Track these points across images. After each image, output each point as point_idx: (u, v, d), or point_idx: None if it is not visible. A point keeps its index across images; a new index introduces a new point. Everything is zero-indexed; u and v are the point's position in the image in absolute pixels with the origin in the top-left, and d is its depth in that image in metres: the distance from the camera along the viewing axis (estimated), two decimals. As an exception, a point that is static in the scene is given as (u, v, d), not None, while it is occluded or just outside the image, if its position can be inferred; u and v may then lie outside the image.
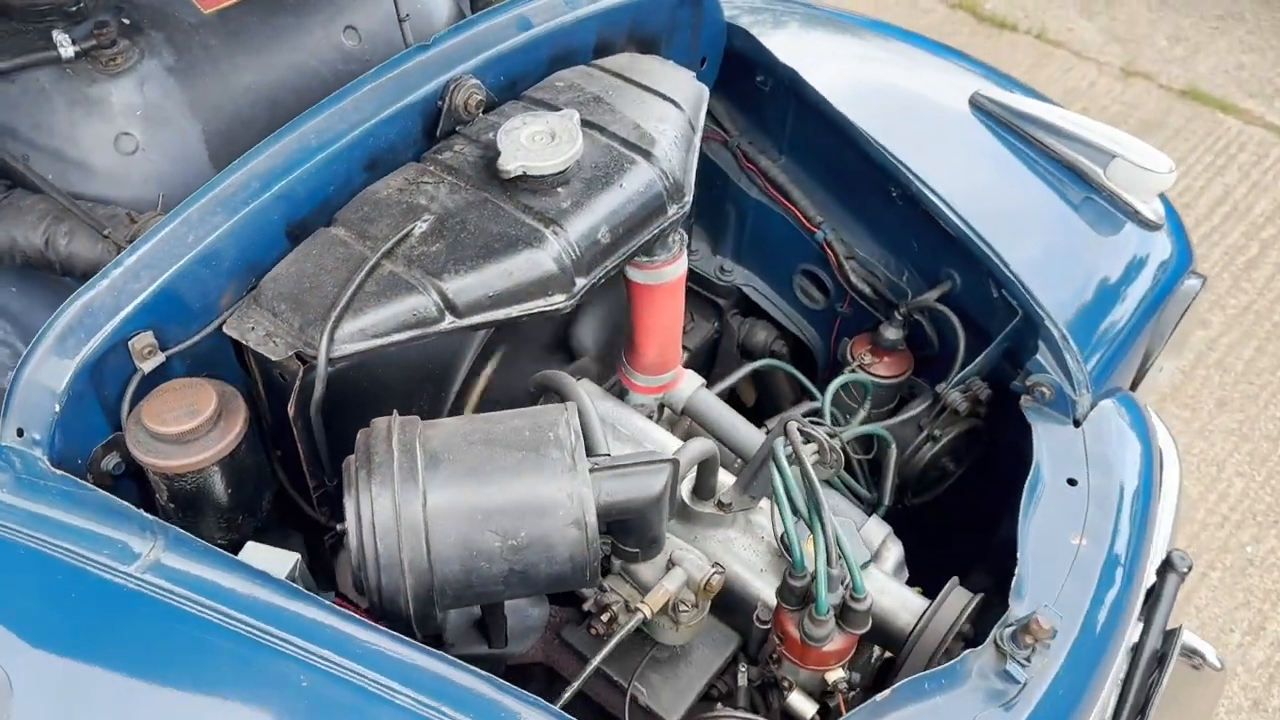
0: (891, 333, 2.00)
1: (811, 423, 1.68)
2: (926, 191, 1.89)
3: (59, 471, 1.32)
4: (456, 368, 1.61)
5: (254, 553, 1.38)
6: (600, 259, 1.54)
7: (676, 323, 1.81)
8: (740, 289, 2.32)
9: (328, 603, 1.25)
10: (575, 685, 1.40)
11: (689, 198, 1.65)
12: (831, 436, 1.58)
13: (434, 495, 1.31)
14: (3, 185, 1.61)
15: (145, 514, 1.30)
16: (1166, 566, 1.67)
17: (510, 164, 1.52)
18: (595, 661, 1.43)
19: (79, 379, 1.36)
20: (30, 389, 1.36)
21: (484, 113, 1.68)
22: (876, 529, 1.77)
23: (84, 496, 1.32)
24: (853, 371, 2.01)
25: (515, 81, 1.75)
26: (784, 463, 1.49)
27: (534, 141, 1.56)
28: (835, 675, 1.49)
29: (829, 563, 1.43)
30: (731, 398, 2.17)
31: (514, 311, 1.48)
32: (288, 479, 1.60)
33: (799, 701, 1.52)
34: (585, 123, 1.64)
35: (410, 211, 1.51)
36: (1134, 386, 2.05)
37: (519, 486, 1.33)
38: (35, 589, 1.25)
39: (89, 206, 1.62)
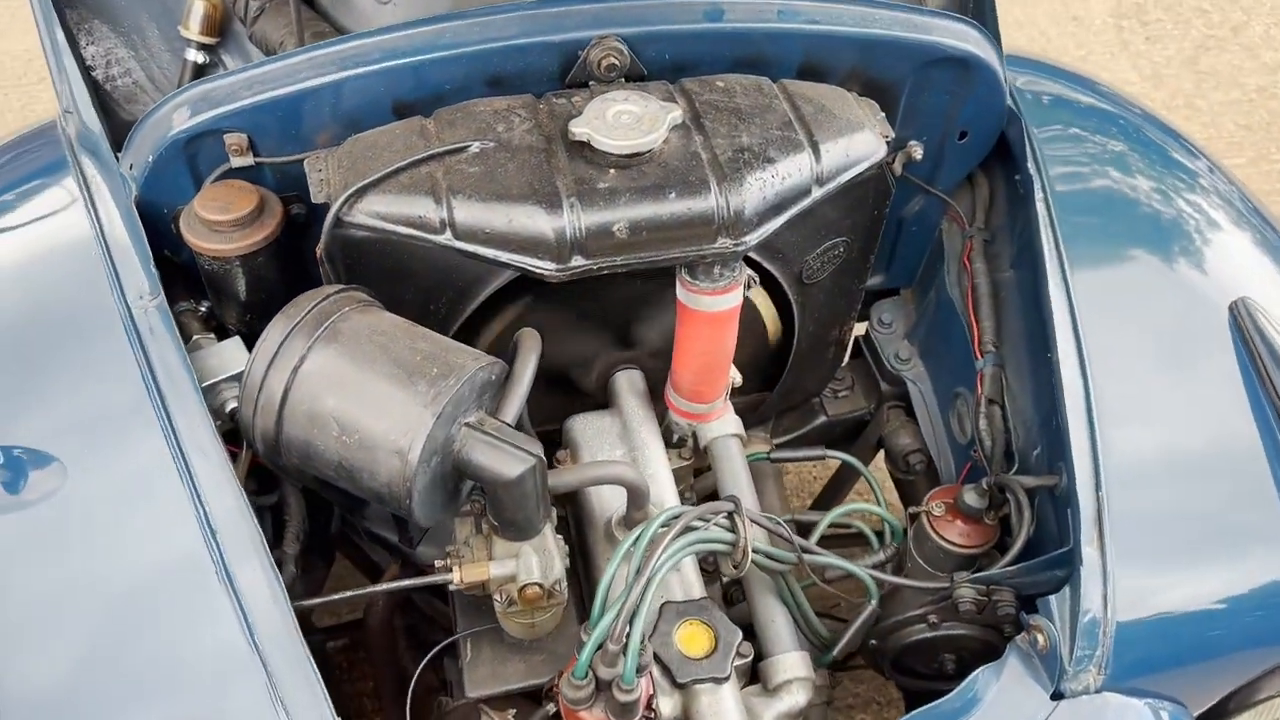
0: (970, 498, 1.73)
1: (774, 521, 1.57)
2: (1062, 369, 1.60)
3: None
4: (474, 292, 1.67)
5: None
6: (612, 251, 1.52)
7: (717, 356, 1.72)
8: (905, 384, 2.12)
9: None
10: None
11: (750, 241, 1.55)
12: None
13: (309, 362, 1.43)
14: None
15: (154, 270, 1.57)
16: None
17: (578, 129, 1.54)
18: (387, 586, 1.48)
19: (174, 145, 1.63)
20: (143, 136, 1.66)
21: (625, 80, 1.69)
22: (793, 666, 1.60)
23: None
24: (915, 518, 1.77)
25: (682, 66, 1.73)
26: (648, 533, 1.43)
27: (617, 119, 1.55)
28: (588, 746, 1.42)
29: (611, 638, 1.35)
30: None
31: (501, 256, 1.52)
32: None
33: (558, 748, 1.46)
34: (699, 127, 1.59)
35: (484, 132, 1.59)
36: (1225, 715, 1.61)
37: (372, 396, 1.40)
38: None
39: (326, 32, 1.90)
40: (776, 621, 1.66)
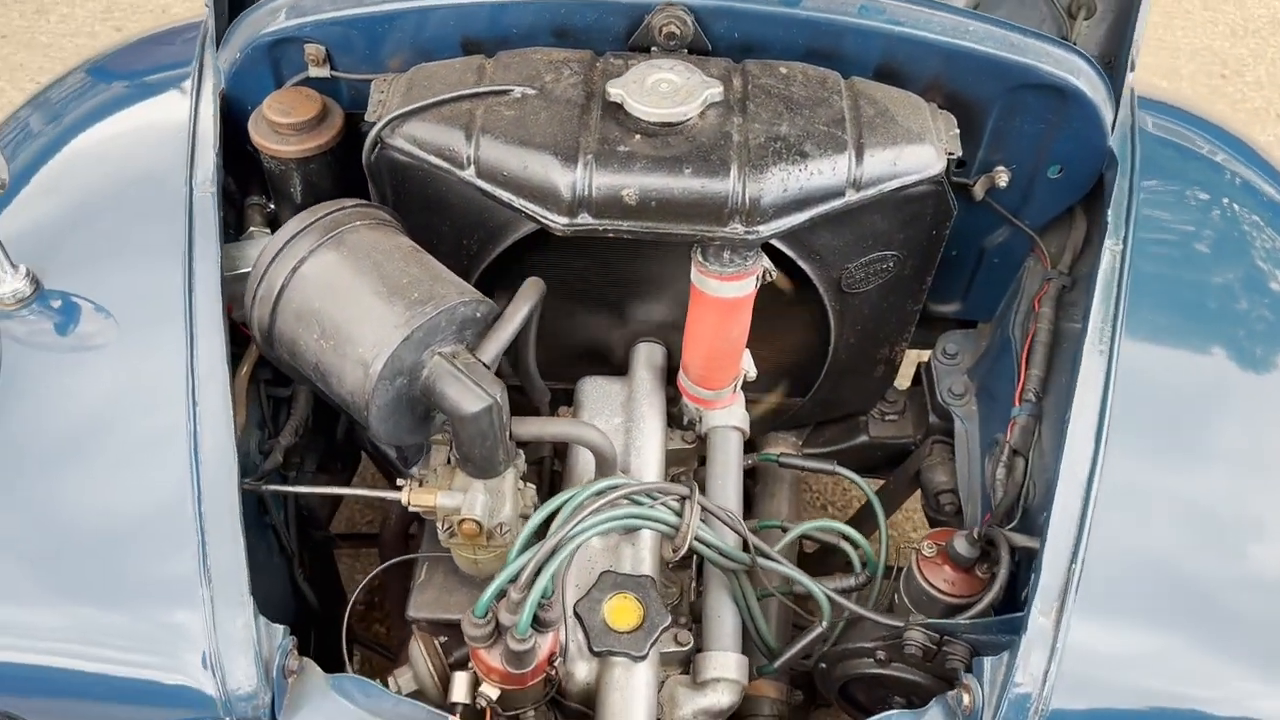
0: (960, 544, 1.63)
1: (732, 518, 1.55)
2: (1072, 436, 1.50)
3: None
4: (504, 236, 1.69)
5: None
6: (620, 215, 1.52)
7: (724, 343, 1.69)
8: (953, 420, 2.02)
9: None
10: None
11: (764, 231, 1.52)
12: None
13: (308, 264, 1.51)
14: None
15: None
16: None
17: (615, 89, 1.54)
18: (339, 491, 1.55)
19: (259, 47, 1.74)
20: (237, 35, 1.78)
21: (689, 51, 1.68)
22: (724, 665, 1.58)
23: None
24: (909, 556, 1.70)
25: (751, 47, 1.69)
26: (578, 498, 1.44)
27: (655, 86, 1.54)
28: (484, 686, 1.44)
29: (515, 587, 1.37)
30: None
31: (515, 200, 1.54)
32: None
33: (459, 680, 1.49)
34: (742, 109, 1.57)
35: (533, 79, 1.61)
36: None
37: (353, 307, 1.46)
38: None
39: None
40: (723, 619, 1.63)
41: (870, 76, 1.71)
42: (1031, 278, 1.97)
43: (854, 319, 1.84)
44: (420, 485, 1.56)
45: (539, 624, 1.41)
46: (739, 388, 1.80)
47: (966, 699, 1.37)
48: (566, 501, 1.44)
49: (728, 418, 1.79)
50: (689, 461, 1.88)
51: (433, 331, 1.46)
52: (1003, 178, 1.83)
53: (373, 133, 1.62)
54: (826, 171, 1.54)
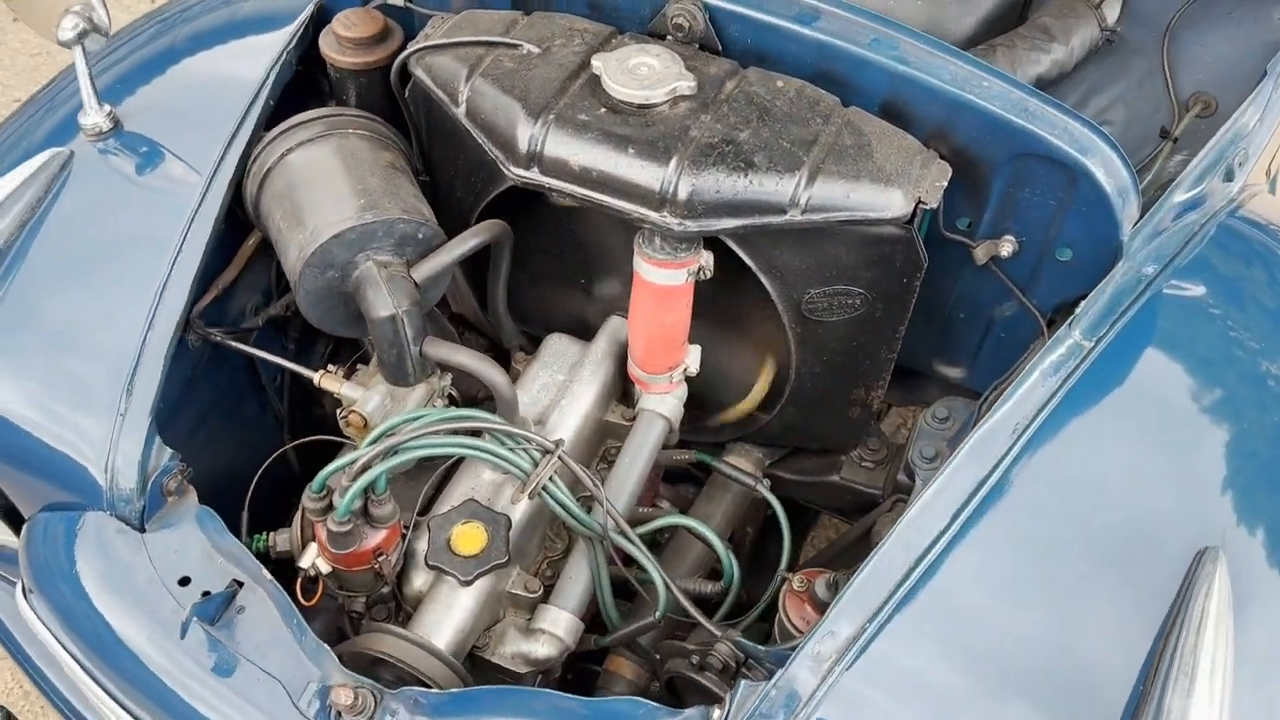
0: (820, 587, 1.61)
1: (595, 484, 1.61)
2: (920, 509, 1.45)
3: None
4: (499, 181, 1.79)
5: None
6: (566, 177, 1.61)
7: (658, 328, 1.74)
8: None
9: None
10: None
11: (691, 227, 1.56)
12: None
13: (295, 154, 1.73)
14: None
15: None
16: None
17: (596, 62, 1.63)
18: (260, 354, 1.75)
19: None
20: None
21: (700, 47, 1.73)
22: (554, 621, 1.66)
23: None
24: (779, 587, 1.69)
25: (763, 56, 1.72)
26: (435, 415, 1.56)
27: (635, 69, 1.62)
28: (319, 558, 1.58)
29: (348, 474, 1.50)
30: None
31: (485, 142, 1.67)
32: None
33: (310, 549, 1.63)
34: (715, 108, 1.61)
35: (545, 40, 1.72)
36: None
37: (310, 198, 1.66)
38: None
39: None
40: (573, 581, 1.69)
41: (875, 110, 1.70)
42: (1031, 360, 1.87)
43: (818, 348, 1.83)
44: (338, 373, 1.72)
45: (368, 517, 1.53)
46: (677, 380, 1.84)
47: (717, 713, 1.38)
48: (421, 416, 1.55)
49: (658, 404, 1.83)
50: (625, 438, 1.94)
51: (368, 237, 1.61)
52: (1006, 247, 1.77)
53: (399, 58, 1.78)
54: (768, 185, 1.56)
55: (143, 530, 1.59)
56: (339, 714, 1.37)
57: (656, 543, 1.92)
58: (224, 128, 1.85)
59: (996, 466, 1.48)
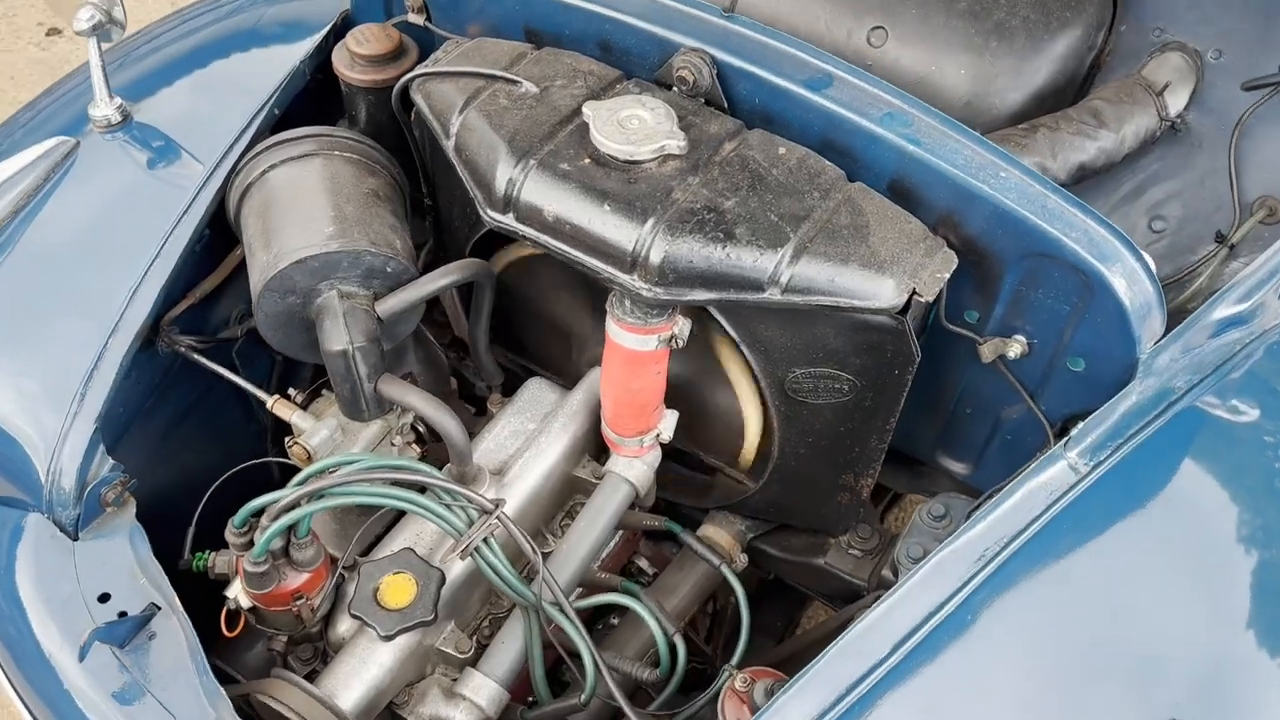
0: (759, 692, 1.51)
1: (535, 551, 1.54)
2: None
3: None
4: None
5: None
6: (538, 226, 1.53)
7: (625, 393, 1.64)
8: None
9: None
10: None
11: (660, 294, 1.47)
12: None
13: (277, 171, 1.71)
14: None
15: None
16: None
17: (589, 110, 1.55)
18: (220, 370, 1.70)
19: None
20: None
21: (705, 101, 1.63)
22: (477, 688, 1.59)
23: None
24: (723, 681, 1.59)
25: (770, 118, 1.62)
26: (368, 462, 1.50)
27: (626, 120, 1.53)
28: (233, 587, 1.54)
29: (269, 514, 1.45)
30: None
31: (464, 173, 1.61)
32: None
33: (238, 581, 1.59)
34: (706, 170, 1.52)
35: (546, 80, 1.65)
36: None
37: (282, 220, 1.65)
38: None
39: None
40: (504, 647, 1.62)
41: (883, 188, 1.58)
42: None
43: (803, 429, 1.72)
44: (293, 400, 1.67)
45: (290, 560, 1.48)
46: (648, 444, 1.74)
47: None
48: (356, 461, 1.49)
49: (625, 469, 1.74)
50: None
51: (331, 266, 1.56)
52: (1015, 348, 1.63)
53: (400, 82, 1.73)
54: (747, 260, 1.46)
55: (75, 538, 1.56)
56: (219, 764, 1.32)
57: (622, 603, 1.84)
58: (232, 132, 1.83)
59: (952, 597, 1.35)
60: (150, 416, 1.81)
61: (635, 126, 1.52)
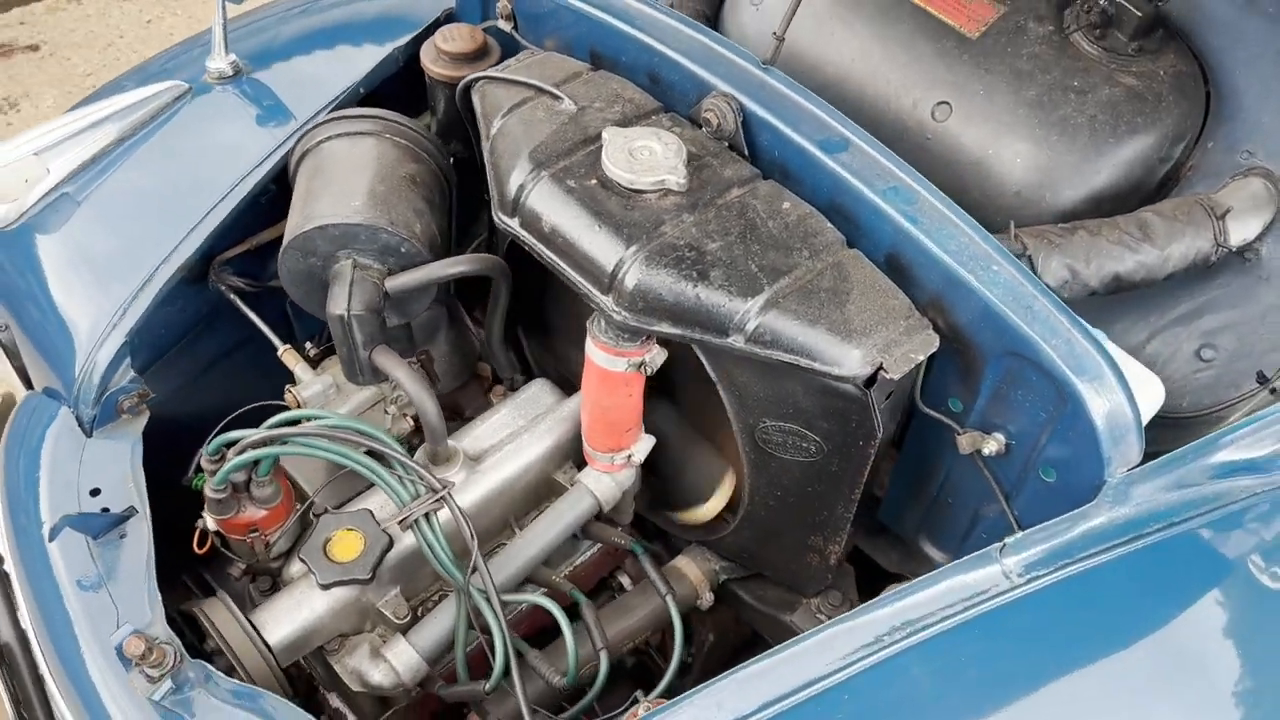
0: (654, 721, 1.54)
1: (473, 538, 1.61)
2: None
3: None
4: None
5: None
6: (536, 235, 1.61)
7: (597, 410, 1.70)
8: None
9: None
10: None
11: (629, 319, 1.52)
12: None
13: (333, 142, 1.85)
14: None
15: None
16: None
17: (606, 136, 1.61)
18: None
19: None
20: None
21: (729, 146, 1.67)
22: (399, 654, 1.68)
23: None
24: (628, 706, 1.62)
25: (787, 172, 1.64)
26: (333, 419, 1.60)
27: (638, 151, 1.59)
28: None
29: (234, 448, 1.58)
30: None
31: (490, 173, 1.70)
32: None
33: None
34: (702, 210, 1.56)
35: (588, 100, 1.72)
36: None
37: (322, 187, 1.77)
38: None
39: None
40: (434, 622, 1.70)
41: (880, 260, 1.58)
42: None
43: (772, 482, 1.73)
44: (305, 354, 1.80)
45: (250, 495, 1.61)
46: (619, 462, 1.79)
47: None
48: (326, 417, 1.60)
49: (593, 481, 1.79)
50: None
51: (350, 236, 1.68)
52: (991, 445, 1.59)
53: (463, 81, 1.84)
54: (714, 303, 1.49)
55: (89, 435, 1.74)
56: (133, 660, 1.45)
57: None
58: (322, 102, 1.99)
59: (832, 674, 1.34)
60: (195, 345, 1.98)
61: (644, 157, 1.58)
